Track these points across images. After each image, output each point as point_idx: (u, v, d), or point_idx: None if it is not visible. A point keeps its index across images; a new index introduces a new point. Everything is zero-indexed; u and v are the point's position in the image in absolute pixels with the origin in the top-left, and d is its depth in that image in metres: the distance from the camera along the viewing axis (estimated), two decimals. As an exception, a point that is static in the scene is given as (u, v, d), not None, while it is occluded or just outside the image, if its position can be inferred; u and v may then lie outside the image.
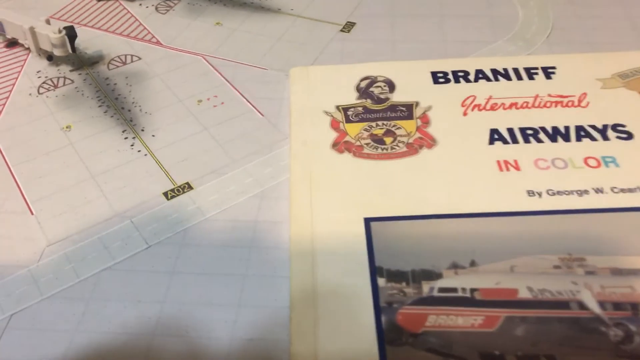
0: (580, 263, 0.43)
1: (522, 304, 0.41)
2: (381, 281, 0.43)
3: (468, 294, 0.42)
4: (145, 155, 0.54)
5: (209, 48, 0.66)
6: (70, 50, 0.60)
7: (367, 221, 0.47)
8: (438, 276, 0.43)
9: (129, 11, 0.72)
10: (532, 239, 0.45)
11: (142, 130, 0.56)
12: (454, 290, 0.42)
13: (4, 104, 0.59)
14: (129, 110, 0.58)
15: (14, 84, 0.61)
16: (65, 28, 0.60)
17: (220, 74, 0.62)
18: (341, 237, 0.46)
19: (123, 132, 0.56)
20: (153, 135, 0.56)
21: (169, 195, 0.50)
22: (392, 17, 0.70)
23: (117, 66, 0.64)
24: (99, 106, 0.59)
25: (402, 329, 0.40)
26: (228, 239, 0.47)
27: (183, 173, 0.52)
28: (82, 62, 0.64)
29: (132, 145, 0.55)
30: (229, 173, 0.52)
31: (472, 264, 0.44)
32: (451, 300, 0.42)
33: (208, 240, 0.47)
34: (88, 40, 0.67)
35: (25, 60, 0.64)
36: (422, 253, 0.44)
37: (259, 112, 0.58)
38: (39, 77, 0.62)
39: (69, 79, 0.62)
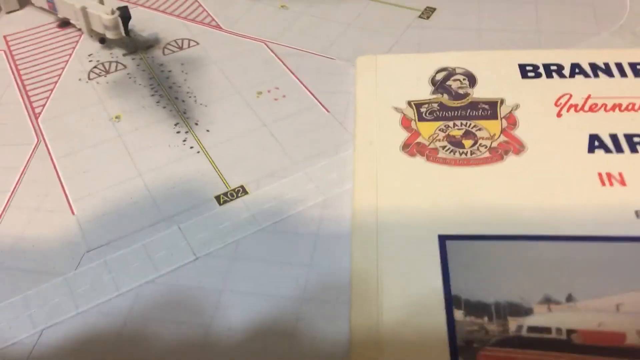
0: None
1: (631, 353, 0.34)
2: (458, 314, 0.36)
3: (564, 337, 0.35)
4: (198, 152, 0.48)
5: (272, 33, 0.60)
6: (123, 33, 0.56)
7: (442, 239, 0.40)
8: (527, 312, 0.36)
9: (188, -9, 0.67)
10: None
11: (196, 124, 0.51)
12: (547, 330, 0.35)
13: (52, 89, 0.55)
14: (183, 101, 0.53)
15: (63, 68, 0.57)
16: (119, 9, 0.55)
17: (283, 63, 0.56)
18: (411, 258, 0.39)
19: (175, 125, 0.51)
20: (207, 130, 0.50)
21: (221, 199, 0.45)
22: (479, 1, 0.62)
23: (173, 51, 0.59)
24: (151, 95, 0.54)
25: None
26: (285, 255, 0.41)
27: (238, 175, 0.47)
28: (136, 45, 0.59)
29: (184, 140, 0.50)
30: (288, 177, 0.46)
31: (569, 298, 0.36)
32: (543, 342, 0.35)
33: (262, 255, 0.41)
34: (143, 22, 0.62)
35: (77, 42, 0.60)
36: (509, 282, 0.38)
37: (325, 108, 0.52)
38: (90, 60, 0.58)
39: (122, 63, 0.57)
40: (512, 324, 0.36)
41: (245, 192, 0.45)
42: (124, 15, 0.55)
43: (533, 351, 0.35)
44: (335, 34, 0.59)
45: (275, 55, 0.57)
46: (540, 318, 0.36)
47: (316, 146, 0.48)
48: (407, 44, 0.57)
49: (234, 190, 0.45)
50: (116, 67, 0.57)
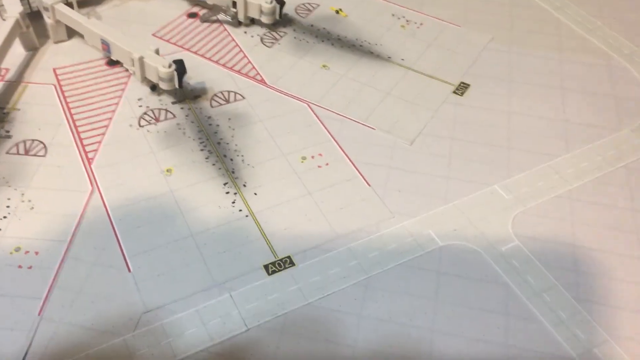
0: None
1: None
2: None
3: None
4: (247, 216, 0.51)
5: (315, 95, 0.63)
6: (177, 86, 0.58)
7: None
8: None
9: (233, 39, 0.69)
10: None
11: (244, 185, 0.54)
12: None
13: (103, 133, 0.57)
14: (231, 160, 0.56)
15: (114, 110, 0.59)
16: (175, 62, 0.57)
17: (326, 128, 0.59)
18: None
19: (224, 185, 0.54)
20: (255, 194, 0.53)
21: (269, 269, 0.48)
22: (509, 81, 0.65)
23: (220, 104, 0.61)
24: (201, 150, 0.56)
25: None
26: (330, 332, 0.44)
27: (285, 244, 0.49)
28: (184, 94, 0.61)
29: (233, 202, 0.52)
30: (332, 251, 0.49)
31: None
32: None
33: (309, 331, 0.44)
34: (191, 69, 0.64)
35: (126, 83, 0.62)
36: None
37: (366, 181, 0.55)
38: (140, 106, 0.60)
39: (171, 112, 0.60)
40: None
41: (292, 263, 0.48)
42: (180, 70, 0.57)
43: None
44: (374, 101, 0.62)
45: (318, 118, 0.60)
46: None
47: (358, 221, 0.52)
48: (444, 120, 0.61)
49: (281, 260, 0.48)
50: (166, 115, 0.59)
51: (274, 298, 0.46)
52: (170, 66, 0.57)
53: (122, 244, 0.49)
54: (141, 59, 0.58)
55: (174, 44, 0.68)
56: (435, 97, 0.63)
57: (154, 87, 0.61)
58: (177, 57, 0.60)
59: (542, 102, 0.63)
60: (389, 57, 0.68)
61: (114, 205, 0.51)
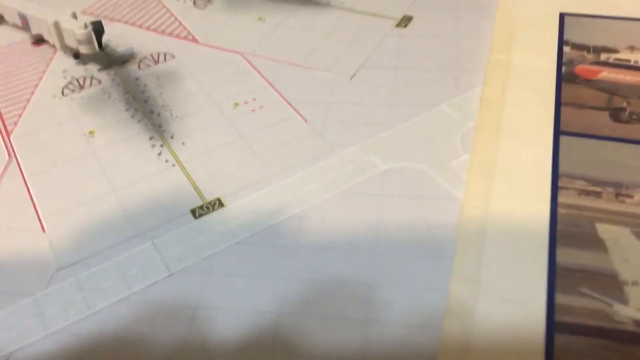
0: None
1: None
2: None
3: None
4: (174, 166, 0.47)
5: (250, 45, 0.59)
6: (97, 48, 0.55)
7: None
8: (616, 51, 0.51)
9: (164, 5, 0.66)
10: None
11: (172, 137, 0.50)
12: (628, 61, 0.51)
13: (25, 106, 0.54)
14: (159, 115, 0.52)
15: (37, 84, 0.56)
16: (92, 23, 0.54)
17: (261, 74, 0.56)
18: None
19: (150, 139, 0.50)
20: (183, 143, 0.49)
21: (197, 213, 0.44)
22: (455, 9, 0.61)
23: (149, 65, 0.58)
24: (126, 110, 0.53)
25: (578, 76, 0.50)
26: (262, 267, 0.40)
27: (214, 187, 0.45)
28: (111, 60, 0.58)
29: (159, 154, 0.49)
30: (265, 188, 0.45)
31: None
32: (623, 66, 0.50)
33: (239, 269, 0.40)
34: (120, 37, 0.61)
35: (52, 58, 0.59)
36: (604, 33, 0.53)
37: (302, 118, 0.51)
38: (65, 77, 0.57)
39: (97, 79, 0.56)
40: (603, 56, 0.51)
41: (221, 205, 0.44)
42: (97, 29, 0.54)
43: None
44: (313, 44, 0.59)
45: (253, 66, 0.57)
46: (624, 54, 0.51)
47: (294, 157, 0.47)
48: (386, 53, 0.57)
49: (210, 203, 0.44)
50: (91, 82, 0.56)
51: (201, 241, 0.42)
52: (86, 26, 0.54)
53: (37, 207, 0.45)
54: (57, 24, 0.55)
55: (105, 17, 0.65)
56: (376, 33, 0.59)
57: (77, 55, 0.58)
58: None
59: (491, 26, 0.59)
60: (328, 3, 0.64)
61: (32, 172, 0.48)
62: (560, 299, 0.35)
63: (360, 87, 0.54)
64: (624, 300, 0.35)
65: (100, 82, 0.56)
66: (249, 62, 0.57)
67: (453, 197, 0.43)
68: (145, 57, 0.59)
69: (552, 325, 0.34)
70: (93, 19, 0.55)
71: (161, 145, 0.49)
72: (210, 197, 0.45)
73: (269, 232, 0.42)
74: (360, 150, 0.48)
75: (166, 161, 0.48)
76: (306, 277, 0.39)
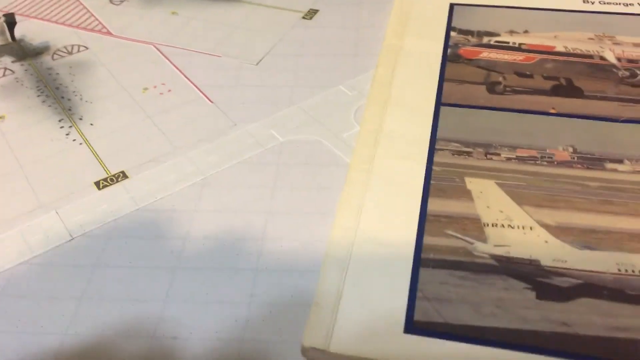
0: (610, 39, 0.56)
1: (556, 54, 0.54)
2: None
3: (517, 46, 0.55)
4: (81, 144, 0.49)
5: (162, 37, 0.62)
6: (10, 39, 0.57)
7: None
8: (497, 35, 0.57)
9: (81, 3, 0.68)
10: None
11: (80, 119, 0.52)
12: (507, 42, 0.56)
13: (-63, 96, 0.55)
14: (69, 99, 0.54)
15: (-50, 76, 0.58)
16: (4, 15, 0.56)
17: (171, 62, 0.58)
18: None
19: (60, 121, 0.52)
20: (91, 124, 0.51)
21: (100, 184, 0.46)
22: (358, 3, 0.66)
23: (62, 56, 0.60)
24: (38, 96, 0.55)
25: (462, 56, 0.55)
26: (161, 230, 0.42)
27: (119, 162, 0.48)
28: (25, 53, 0.60)
29: (67, 134, 0.50)
30: (169, 161, 0.48)
31: (525, 31, 0.57)
32: (503, 47, 0.55)
33: (139, 232, 0.42)
34: (35, 32, 0.63)
35: (-34, 52, 0.61)
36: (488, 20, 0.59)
37: (208, 99, 0.54)
38: (-22, 69, 0.58)
39: (10, 69, 0.58)
40: (485, 39, 0.57)
41: (125, 176, 0.47)
42: (9, 20, 0.56)
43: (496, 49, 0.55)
44: (222, 35, 0.62)
45: (164, 55, 0.59)
46: (504, 37, 0.57)
47: (198, 133, 0.50)
48: (292, 42, 0.61)
49: (114, 175, 0.47)
50: (4, 72, 0.58)
51: (103, 209, 0.44)
52: (-2, 18, 0.56)
53: (-57, 184, 0.46)
54: (-32, 16, 0.57)
55: (22, 14, 0.66)
56: (284, 24, 0.63)
57: (-11, 48, 0.59)
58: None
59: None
60: (239, -2, 0.68)
61: (-60, 154, 0.49)
62: (427, 240, 0.39)
63: (265, 72, 0.57)
64: (483, 239, 0.39)
65: (13, 72, 0.58)
66: (161, 52, 0.60)
67: (344, 163, 0.47)
68: (59, 49, 0.61)
69: (419, 261, 0.37)
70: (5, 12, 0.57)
71: (70, 127, 0.51)
72: (114, 170, 0.47)
73: (170, 198, 0.45)
74: (261, 126, 0.51)
75: (74, 140, 0.50)
76: (201, 235, 0.42)
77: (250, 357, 0.35)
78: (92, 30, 0.64)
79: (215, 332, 0.36)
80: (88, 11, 0.67)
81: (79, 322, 0.37)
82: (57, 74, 0.57)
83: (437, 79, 0.52)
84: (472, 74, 0.53)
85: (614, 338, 0.33)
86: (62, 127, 0.51)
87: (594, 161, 0.44)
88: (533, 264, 0.37)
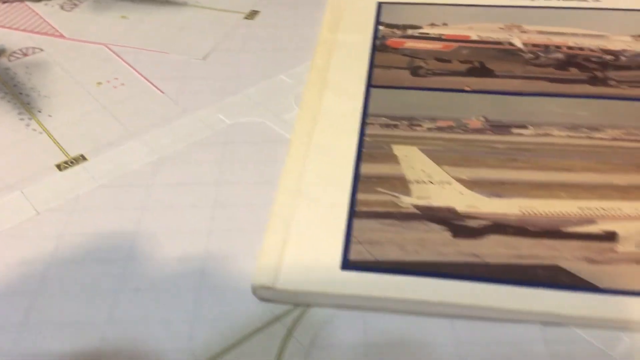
0: (518, 28, 0.63)
1: (471, 42, 0.62)
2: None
3: (437, 37, 0.63)
4: (41, 133, 0.53)
5: (113, 38, 0.66)
6: (-35, 41, 0.60)
7: None
8: (419, 28, 0.64)
9: (33, 10, 0.72)
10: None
11: (39, 111, 0.56)
12: (428, 34, 0.63)
13: None
14: (27, 95, 0.58)
15: None
16: (-40, 19, 0.59)
17: (123, 60, 0.63)
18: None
19: (19, 114, 0.55)
20: (50, 116, 0.55)
21: (61, 166, 0.50)
22: (295, 7, 0.72)
23: (18, 58, 0.63)
24: (-4, 93, 0.58)
25: (388, 46, 0.61)
26: (119, 202, 0.46)
27: (78, 147, 0.52)
28: (-19, 55, 0.63)
29: (27, 125, 0.54)
30: (125, 144, 0.52)
31: (444, 24, 0.65)
32: (425, 37, 0.63)
33: (100, 204, 0.46)
34: (-11, 37, 0.66)
35: None
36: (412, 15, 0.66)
37: (159, 90, 0.58)
38: None
39: (-33, 71, 0.61)
40: (410, 31, 0.64)
41: (85, 159, 0.50)
42: (-35, 23, 0.59)
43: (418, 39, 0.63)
44: (169, 35, 0.67)
45: (115, 54, 0.64)
46: (426, 30, 0.64)
47: (151, 120, 0.55)
48: (234, 39, 0.66)
49: (74, 158, 0.50)
50: (-39, 73, 0.61)
51: (66, 187, 0.48)
52: (-46, 21, 0.59)
53: None
54: None
55: (-26, 22, 0.69)
56: (227, 24, 0.68)
57: (-54, 51, 0.62)
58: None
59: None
60: (185, 2, 0.73)
61: None
62: (360, 196, 0.44)
63: (212, 66, 0.62)
64: (408, 193, 0.44)
65: (-30, 73, 0.61)
66: (112, 51, 0.64)
67: (286, 140, 0.52)
68: (14, 52, 0.64)
69: (353, 213, 0.43)
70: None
71: (29, 119, 0.55)
72: (74, 154, 0.51)
73: (127, 176, 0.49)
74: (209, 112, 0.56)
75: (34, 130, 0.54)
76: (159, 206, 0.46)
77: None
78: (45, 34, 0.67)
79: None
80: (41, 17, 0.70)
81: (48, 284, 0.41)
82: (15, 73, 0.61)
83: (367, 65, 0.58)
84: (397, 61, 0.59)
85: (516, 264, 0.39)
86: (22, 119, 0.55)
87: (502, 128, 0.51)
88: (450, 210, 0.43)
